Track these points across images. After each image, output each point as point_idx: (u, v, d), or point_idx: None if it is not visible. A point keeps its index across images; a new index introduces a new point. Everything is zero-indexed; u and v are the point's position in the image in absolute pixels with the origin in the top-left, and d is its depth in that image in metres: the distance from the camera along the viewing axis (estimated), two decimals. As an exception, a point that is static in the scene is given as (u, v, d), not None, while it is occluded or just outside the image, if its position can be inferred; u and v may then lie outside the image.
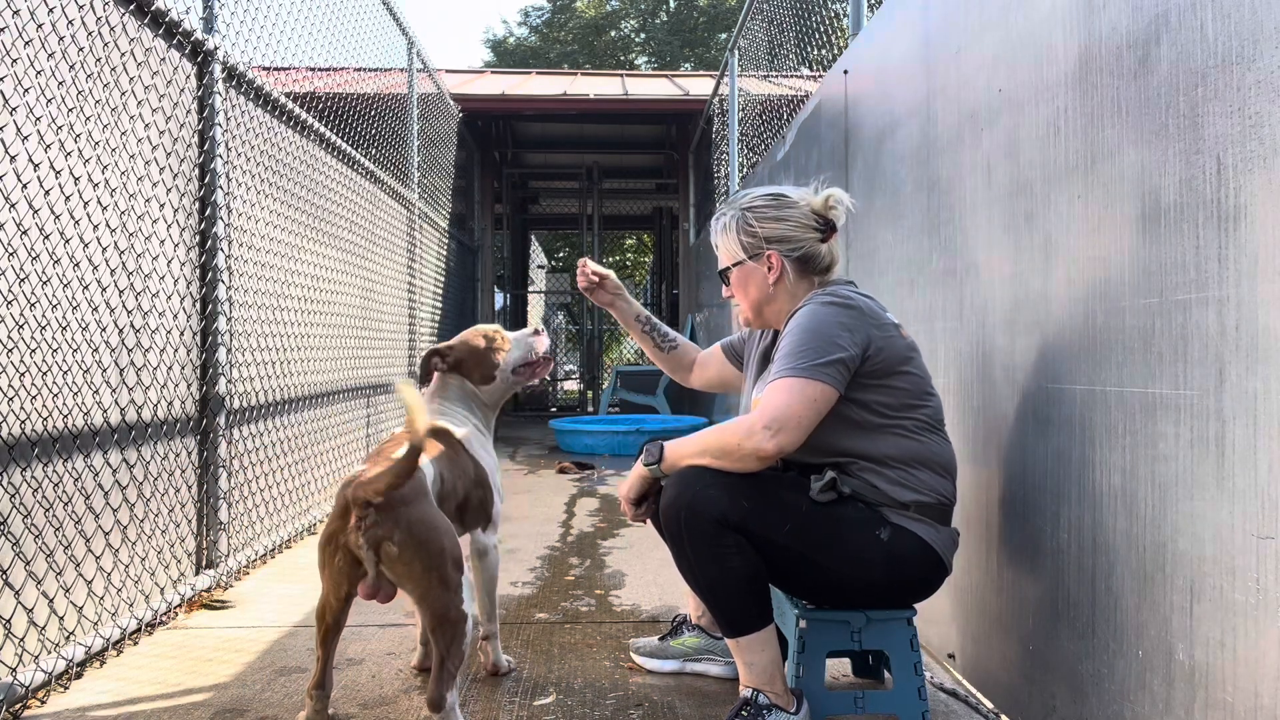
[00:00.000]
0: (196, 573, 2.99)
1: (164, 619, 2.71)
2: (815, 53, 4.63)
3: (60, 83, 2.25)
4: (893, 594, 1.91)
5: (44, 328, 2.18)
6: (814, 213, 2.03)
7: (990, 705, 2.08)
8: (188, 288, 2.92)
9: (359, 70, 5.16)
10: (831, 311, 1.87)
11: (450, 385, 2.34)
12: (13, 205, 2.07)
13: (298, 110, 3.85)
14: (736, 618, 1.87)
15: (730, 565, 1.83)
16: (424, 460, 1.95)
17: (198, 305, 3.00)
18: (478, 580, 2.23)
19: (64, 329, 2.26)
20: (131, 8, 2.57)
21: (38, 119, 2.16)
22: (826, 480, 1.86)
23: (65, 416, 2.26)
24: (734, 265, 2.07)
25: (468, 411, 2.33)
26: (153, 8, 2.65)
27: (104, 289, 2.43)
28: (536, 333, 2.43)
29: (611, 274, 2.43)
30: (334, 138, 4.42)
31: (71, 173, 2.29)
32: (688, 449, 1.89)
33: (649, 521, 2.08)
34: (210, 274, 3.04)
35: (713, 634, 2.32)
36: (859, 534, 1.85)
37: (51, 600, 2.19)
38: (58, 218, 2.24)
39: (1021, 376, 1.92)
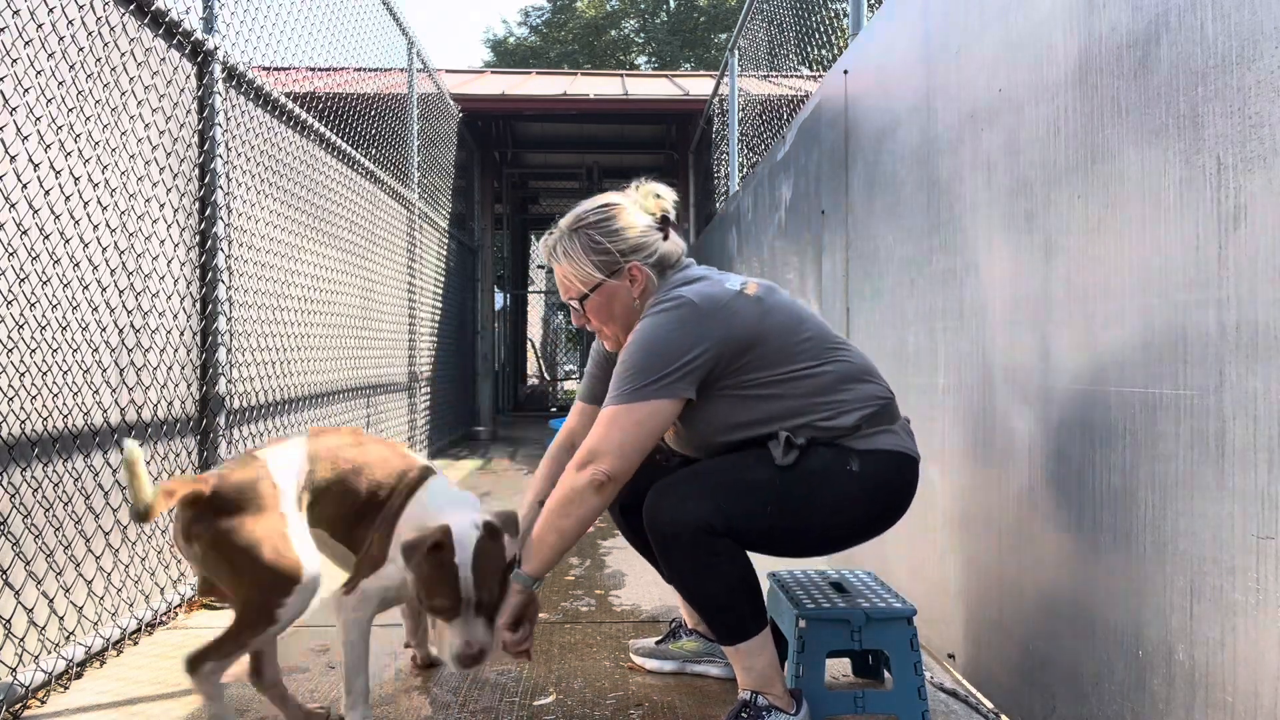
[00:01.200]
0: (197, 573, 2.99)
1: (164, 619, 2.71)
2: (815, 53, 4.63)
3: (60, 83, 2.25)
4: (887, 515, 1.89)
5: (44, 328, 2.18)
6: (647, 212, 1.98)
7: (990, 705, 2.08)
8: (188, 288, 2.92)
9: (359, 70, 5.16)
10: (663, 321, 1.80)
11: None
12: (13, 205, 2.07)
13: (298, 110, 3.85)
14: (732, 625, 1.83)
15: (721, 572, 1.80)
16: (289, 462, 1.90)
17: (198, 305, 3.00)
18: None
19: (64, 329, 2.26)
20: (131, 8, 2.57)
21: (38, 119, 2.16)
22: (784, 442, 1.82)
23: (65, 416, 2.26)
24: (593, 290, 1.93)
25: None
26: (153, 8, 2.65)
27: (104, 289, 2.43)
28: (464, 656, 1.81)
29: (525, 639, 1.89)
30: (334, 138, 4.42)
31: (71, 173, 2.29)
32: (540, 534, 1.79)
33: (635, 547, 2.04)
34: (210, 274, 3.04)
35: (711, 637, 2.32)
36: (833, 480, 1.81)
37: (51, 600, 2.19)
38: (58, 218, 2.24)
39: (1021, 376, 1.92)
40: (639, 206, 1.98)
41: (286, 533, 1.82)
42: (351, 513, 1.94)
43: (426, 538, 1.76)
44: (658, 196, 2.00)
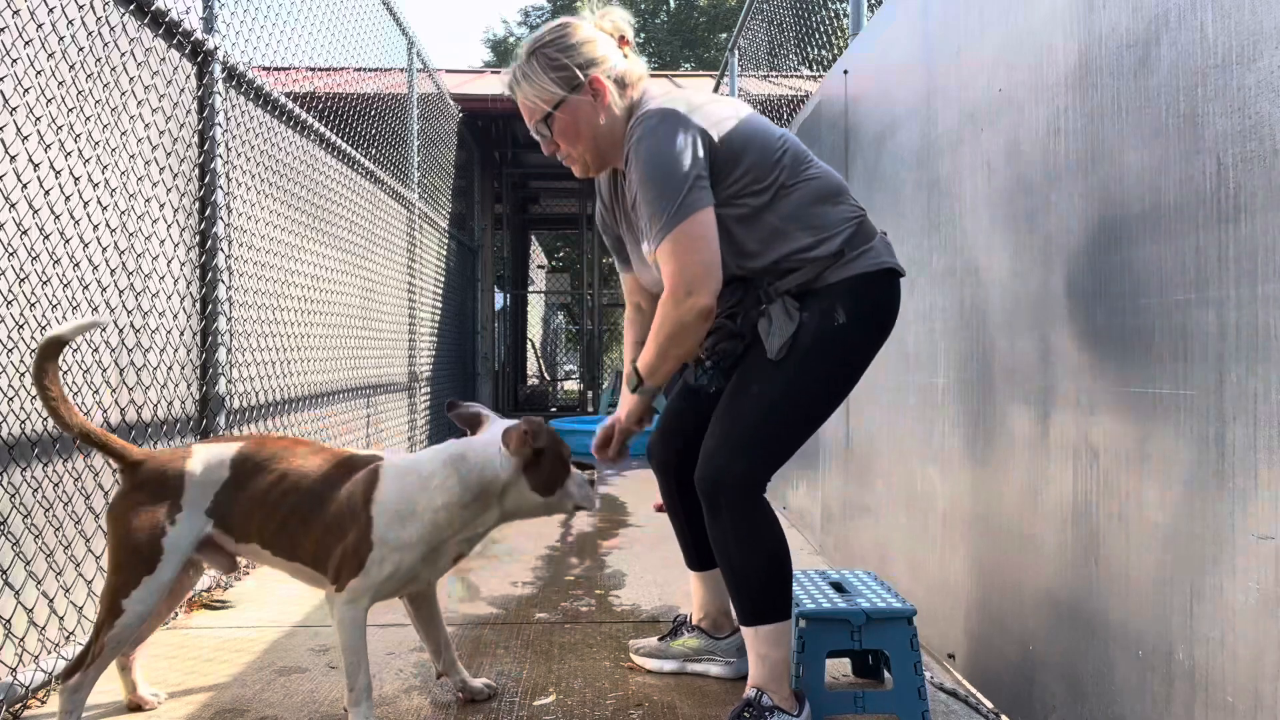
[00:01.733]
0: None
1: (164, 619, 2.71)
2: (815, 53, 4.63)
3: (60, 83, 2.25)
4: (884, 336, 1.96)
5: (44, 328, 2.18)
6: (599, 28, 1.96)
7: (990, 705, 2.08)
8: (188, 288, 2.92)
9: (359, 70, 5.16)
10: (660, 136, 1.80)
11: (489, 476, 1.87)
12: (13, 205, 2.07)
13: (298, 110, 3.85)
14: (760, 603, 1.84)
15: (762, 539, 1.86)
16: (212, 462, 1.90)
17: (198, 305, 3.00)
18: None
19: (64, 329, 2.26)
20: (131, 8, 2.57)
21: (38, 119, 2.16)
22: (777, 336, 1.86)
23: (65, 416, 2.26)
24: (555, 109, 1.90)
25: (459, 490, 1.86)
26: (153, 8, 2.65)
27: (104, 289, 2.43)
28: (592, 482, 2.02)
29: (627, 437, 2.06)
30: (334, 138, 4.42)
31: (71, 173, 2.29)
32: (652, 355, 1.88)
33: (659, 507, 2.10)
34: (210, 274, 3.04)
35: (714, 635, 2.32)
36: (829, 346, 1.86)
37: (51, 600, 2.19)
38: (58, 218, 2.24)
39: (1021, 376, 1.92)
40: (595, 26, 1.97)
41: (161, 525, 1.85)
42: (288, 523, 1.87)
43: (520, 425, 1.89)
44: (613, 21, 1.99)
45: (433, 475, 1.87)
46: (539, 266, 18.68)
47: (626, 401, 2.00)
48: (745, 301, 1.91)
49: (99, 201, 2.41)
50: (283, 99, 3.68)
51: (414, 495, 1.85)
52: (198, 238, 3.01)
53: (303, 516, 1.87)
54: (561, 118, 1.92)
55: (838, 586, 2.17)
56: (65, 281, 2.27)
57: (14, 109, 2.07)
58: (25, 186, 2.11)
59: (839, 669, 2.35)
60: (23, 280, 2.11)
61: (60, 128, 2.25)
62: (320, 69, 4.45)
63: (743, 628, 1.88)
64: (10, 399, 2.06)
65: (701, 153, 1.82)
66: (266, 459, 1.93)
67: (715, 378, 1.97)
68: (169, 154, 2.80)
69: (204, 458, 1.92)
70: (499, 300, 12.79)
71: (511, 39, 27.07)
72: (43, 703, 2.10)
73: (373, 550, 1.82)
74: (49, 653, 2.16)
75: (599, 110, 1.91)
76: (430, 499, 1.85)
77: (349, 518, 1.85)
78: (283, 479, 1.90)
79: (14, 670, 2.03)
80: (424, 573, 1.92)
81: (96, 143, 2.41)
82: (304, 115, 3.93)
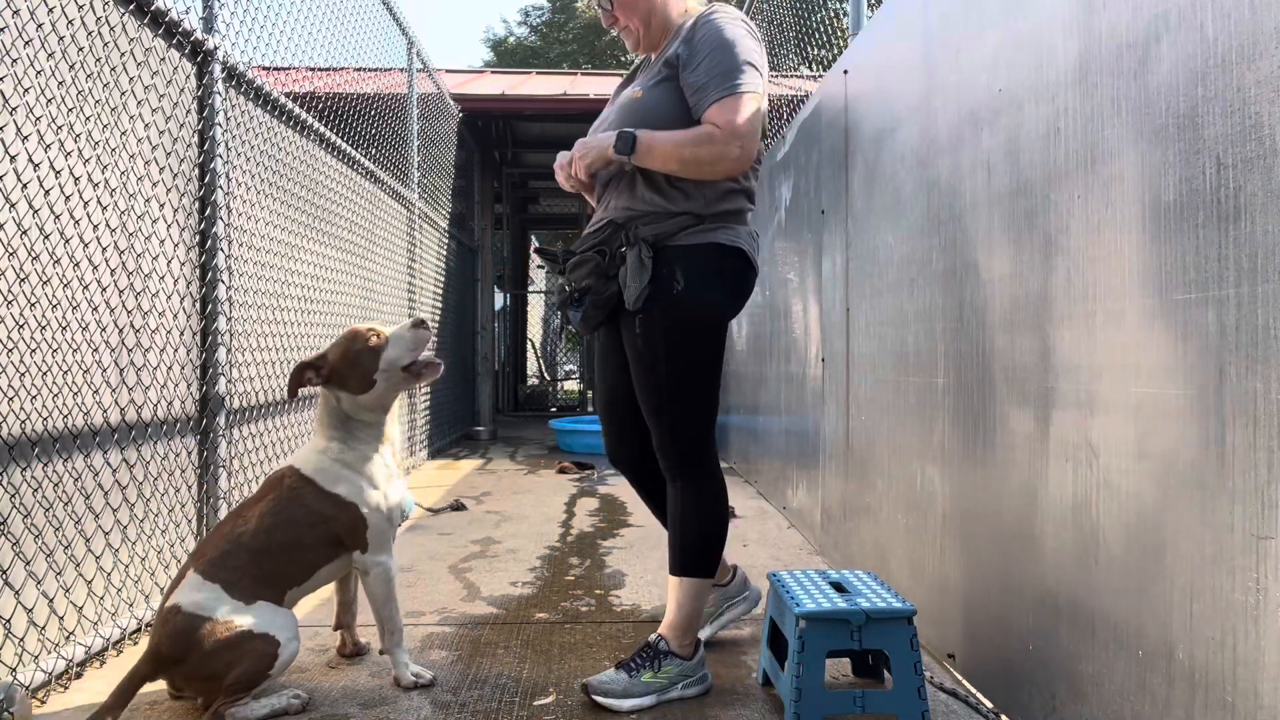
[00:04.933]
0: (196, 573, 2.99)
1: (164, 619, 2.71)
2: (815, 52, 4.63)
3: (60, 83, 2.25)
4: (736, 300, 2.19)
5: (44, 328, 2.18)
6: None
7: (990, 705, 2.08)
8: (188, 288, 2.92)
9: (359, 70, 5.16)
10: (737, 28, 2.08)
11: (330, 406, 2.20)
12: (13, 205, 2.07)
13: (298, 110, 3.85)
14: (694, 560, 2.14)
15: (710, 507, 2.16)
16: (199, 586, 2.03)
17: (198, 305, 3.00)
18: (367, 596, 2.23)
19: (64, 329, 2.26)
20: (131, 8, 2.57)
21: (38, 119, 2.16)
22: (577, 299, 2.15)
23: (65, 416, 2.26)
24: None
25: (345, 434, 2.19)
26: (153, 8, 2.65)
27: (104, 289, 2.43)
28: (417, 325, 2.22)
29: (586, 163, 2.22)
30: (334, 138, 4.42)
31: (71, 173, 2.29)
32: (662, 150, 2.04)
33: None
34: (210, 274, 3.04)
35: (719, 583, 2.42)
36: (679, 310, 2.07)
37: (51, 600, 2.19)
38: (58, 218, 2.24)
39: (1021, 376, 1.92)
40: None
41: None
42: (259, 568, 2.07)
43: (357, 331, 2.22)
44: None
45: (321, 442, 2.21)
46: (539, 266, 18.67)
47: (604, 143, 2.11)
48: (612, 239, 2.13)
49: (99, 201, 2.41)
50: (283, 99, 3.68)
51: (328, 462, 2.17)
52: (198, 238, 3.01)
53: (287, 545, 2.10)
54: None
55: (838, 586, 2.17)
56: (65, 281, 2.27)
57: (14, 109, 2.08)
58: (25, 186, 2.11)
59: (839, 669, 2.35)
60: (23, 280, 2.11)
61: (60, 128, 2.25)
62: (320, 69, 4.45)
63: (671, 577, 2.16)
64: (10, 399, 2.06)
65: (761, 57, 2.11)
66: (209, 550, 2.08)
67: (590, 315, 2.17)
68: (169, 154, 2.80)
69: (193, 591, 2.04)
70: (499, 300, 12.79)
71: (511, 39, 27.07)
72: (43, 703, 2.11)
73: (359, 508, 2.15)
74: (49, 653, 2.16)
75: None
76: (333, 452, 2.18)
77: (323, 515, 2.14)
78: (256, 534, 2.10)
79: (14, 670, 2.03)
80: (394, 493, 2.24)
81: (96, 143, 2.41)
82: (304, 115, 3.93)
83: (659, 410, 2.13)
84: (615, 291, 2.11)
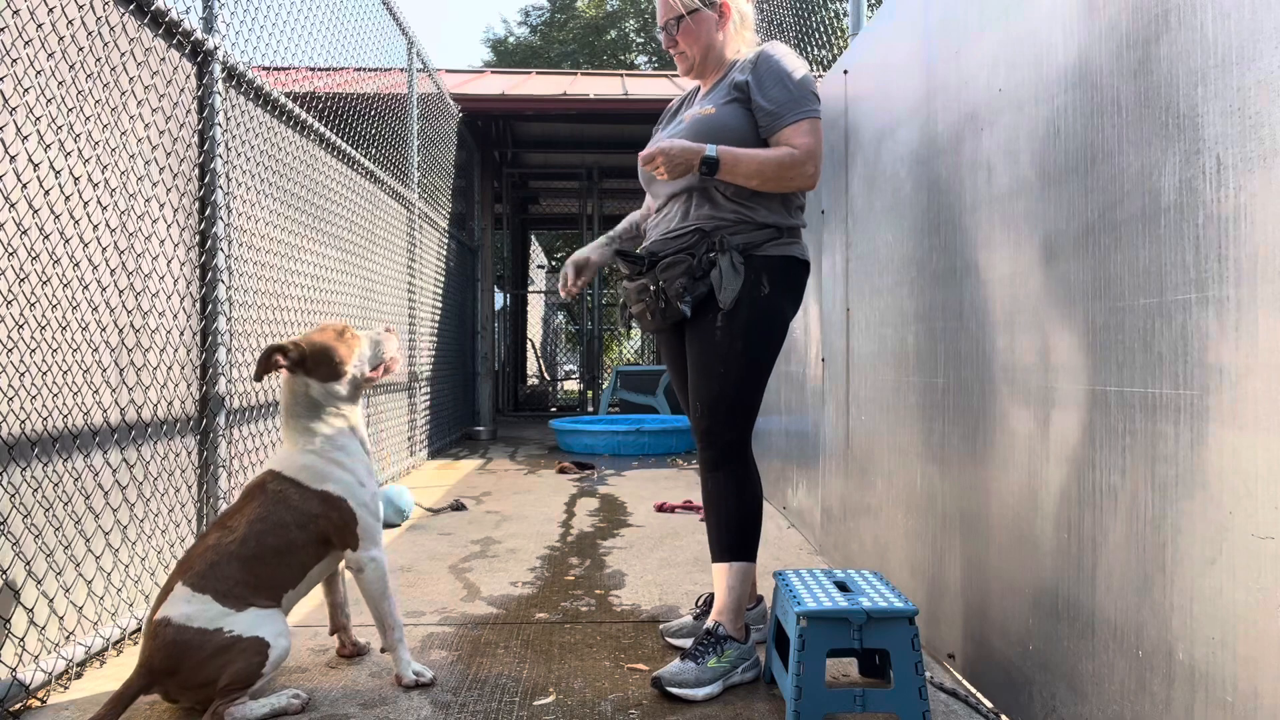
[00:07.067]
0: (196, 573, 2.98)
1: (164, 619, 2.71)
2: (815, 53, 4.63)
3: (60, 83, 2.25)
4: (797, 306, 2.36)
5: (44, 328, 2.18)
6: None
7: (990, 705, 2.08)
8: (188, 288, 2.92)
9: (359, 70, 5.16)
10: (796, 60, 2.31)
11: (298, 393, 2.23)
12: (13, 205, 2.07)
13: (298, 110, 3.85)
14: (737, 544, 2.25)
15: (748, 493, 2.28)
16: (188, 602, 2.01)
17: (198, 305, 3.00)
18: (362, 594, 2.25)
19: (64, 329, 2.26)
20: (131, 8, 2.57)
21: (38, 119, 2.16)
22: (686, 298, 2.26)
23: (65, 416, 2.26)
24: (690, 13, 2.34)
25: (317, 426, 2.23)
26: (153, 8, 2.65)
27: (104, 289, 2.43)
28: (386, 330, 2.39)
29: (584, 273, 2.57)
30: (334, 138, 4.42)
31: (71, 173, 2.29)
32: (746, 167, 2.21)
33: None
34: (210, 274, 3.04)
35: (738, 636, 2.27)
36: (761, 310, 2.24)
37: (51, 600, 2.19)
38: (58, 218, 2.24)
39: (1021, 376, 1.92)
40: None
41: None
42: (253, 575, 2.07)
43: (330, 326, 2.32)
44: None
45: (297, 441, 2.23)
46: (539, 266, 18.68)
47: (691, 159, 2.21)
48: (699, 245, 2.28)
49: (99, 201, 2.41)
50: (283, 99, 3.68)
51: (311, 459, 2.20)
52: (198, 238, 3.01)
53: (279, 549, 2.11)
54: (689, 23, 2.35)
55: (842, 586, 2.17)
56: (65, 281, 2.27)
57: (14, 109, 2.07)
58: (25, 186, 2.11)
59: (841, 668, 2.35)
60: (23, 280, 2.11)
61: (60, 128, 2.25)
62: (320, 69, 4.45)
63: (717, 564, 2.27)
64: (10, 399, 2.06)
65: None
66: (196, 561, 2.06)
67: (688, 305, 2.30)
68: (169, 154, 2.80)
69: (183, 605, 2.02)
70: (499, 300, 12.79)
71: (511, 39, 27.07)
72: (43, 702, 2.11)
73: (347, 502, 2.19)
74: (49, 653, 2.16)
75: (720, 29, 2.38)
76: (314, 449, 2.21)
77: (311, 514, 2.16)
78: (245, 541, 2.10)
79: (14, 670, 2.03)
80: (375, 486, 2.29)
81: (96, 143, 2.41)
82: (304, 115, 3.93)
83: (718, 399, 2.26)
84: (705, 291, 2.26)
